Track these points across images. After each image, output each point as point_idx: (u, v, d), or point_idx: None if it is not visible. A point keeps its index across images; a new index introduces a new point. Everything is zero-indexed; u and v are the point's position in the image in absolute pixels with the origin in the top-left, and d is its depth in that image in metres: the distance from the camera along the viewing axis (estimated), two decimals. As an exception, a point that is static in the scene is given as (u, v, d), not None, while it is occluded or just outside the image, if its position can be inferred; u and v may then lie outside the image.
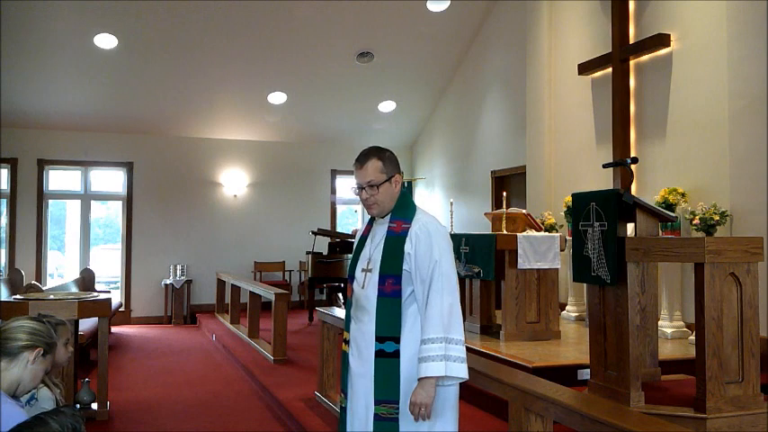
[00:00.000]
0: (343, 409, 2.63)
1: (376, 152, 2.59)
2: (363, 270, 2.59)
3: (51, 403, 2.74)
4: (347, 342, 2.64)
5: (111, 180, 11.15)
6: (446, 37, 9.97)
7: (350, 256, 9.63)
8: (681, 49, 6.40)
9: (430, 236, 2.49)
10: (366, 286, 2.56)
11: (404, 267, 2.50)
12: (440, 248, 2.48)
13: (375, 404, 2.47)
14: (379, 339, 2.49)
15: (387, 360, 2.47)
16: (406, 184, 11.15)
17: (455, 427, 2.54)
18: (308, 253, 9.66)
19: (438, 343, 2.37)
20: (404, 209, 2.60)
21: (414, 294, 2.51)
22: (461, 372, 2.39)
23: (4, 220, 10.29)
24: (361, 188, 2.59)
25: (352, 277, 2.67)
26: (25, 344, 2.35)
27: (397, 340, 2.48)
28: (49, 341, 2.45)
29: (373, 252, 2.59)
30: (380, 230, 2.62)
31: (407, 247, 2.50)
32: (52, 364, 2.97)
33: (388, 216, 2.62)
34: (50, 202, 10.76)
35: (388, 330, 2.48)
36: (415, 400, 2.38)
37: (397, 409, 2.45)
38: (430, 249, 2.47)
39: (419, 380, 2.39)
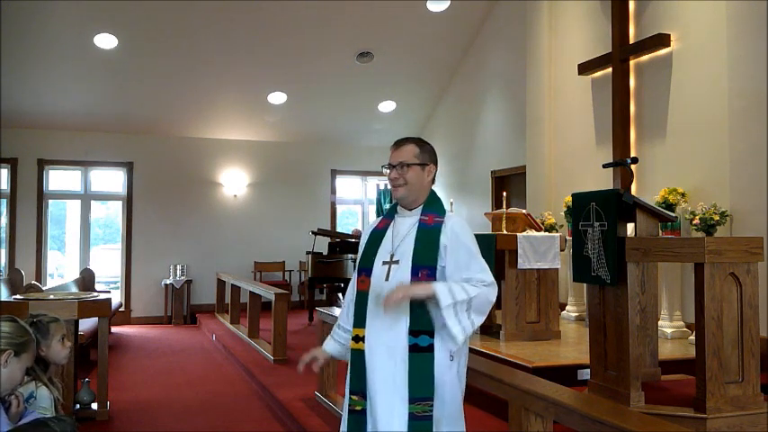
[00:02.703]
0: (358, 412, 2.45)
1: (416, 139, 2.60)
2: (386, 263, 2.49)
3: (49, 402, 2.75)
4: (360, 339, 2.48)
5: (111, 180, 11.15)
6: (446, 37, 9.97)
7: (350, 256, 9.61)
8: (681, 49, 6.40)
9: (465, 233, 2.49)
10: (391, 278, 2.44)
11: (439, 261, 2.44)
12: (475, 244, 2.49)
13: (410, 402, 2.34)
14: (413, 333, 2.38)
15: (421, 355, 2.36)
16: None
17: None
18: (308, 253, 9.66)
19: (463, 295, 2.35)
20: (436, 204, 2.57)
21: None
22: (454, 324, 2.33)
23: (4, 220, 10.29)
24: (392, 167, 2.54)
25: (366, 271, 2.53)
26: None
27: (432, 334, 2.38)
28: (20, 341, 2.49)
29: (399, 244, 2.49)
30: (407, 223, 2.55)
31: (443, 239, 2.45)
32: (49, 359, 2.97)
33: (418, 209, 2.56)
34: (50, 202, 10.76)
35: (423, 324, 2.38)
36: (400, 287, 2.34)
37: (432, 406, 2.34)
38: (466, 244, 2.46)
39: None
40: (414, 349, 2.37)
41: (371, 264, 2.53)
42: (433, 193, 2.60)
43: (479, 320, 2.41)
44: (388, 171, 2.55)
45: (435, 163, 2.61)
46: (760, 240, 3.71)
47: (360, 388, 2.45)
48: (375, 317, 2.45)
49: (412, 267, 2.42)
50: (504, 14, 9.44)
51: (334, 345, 2.71)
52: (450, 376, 2.41)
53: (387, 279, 2.46)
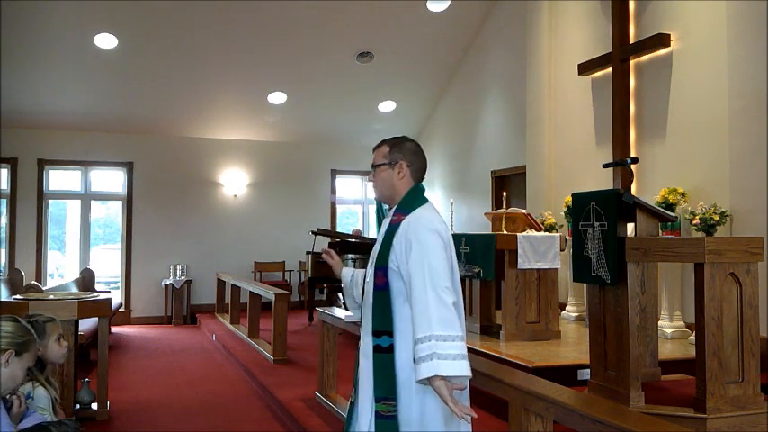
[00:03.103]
0: (352, 404, 2.57)
1: (391, 139, 2.60)
2: (371, 265, 2.54)
3: (47, 402, 2.75)
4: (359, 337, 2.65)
5: (111, 180, 11.15)
6: (446, 37, 9.97)
7: (350, 256, 9.63)
8: (681, 49, 6.40)
9: (416, 229, 2.38)
10: (369, 280, 2.52)
11: (390, 259, 2.42)
12: (425, 242, 2.35)
13: (375, 401, 2.38)
14: (375, 334, 2.42)
15: (383, 355, 2.39)
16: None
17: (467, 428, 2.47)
18: (308, 253, 9.65)
19: (425, 342, 2.23)
20: (407, 202, 2.51)
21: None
22: (456, 369, 2.20)
23: (4, 220, 10.29)
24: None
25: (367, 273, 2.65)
26: None
27: (392, 334, 2.39)
28: (21, 340, 2.49)
29: (377, 246, 2.54)
30: (386, 223, 2.57)
31: (395, 239, 2.43)
32: (46, 359, 2.98)
33: (394, 208, 2.55)
34: (50, 202, 10.76)
35: (383, 324, 2.41)
36: (444, 406, 2.25)
37: (395, 406, 2.35)
38: (410, 244, 2.37)
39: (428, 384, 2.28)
40: (377, 350, 2.40)
41: (367, 266, 2.63)
42: (410, 191, 2.53)
43: (450, 328, 2.28)
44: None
45: (410, 159, 2.54)
46: (760, 240, 3.71)
47: (353, 382, 2.59)
48: (363, 317, 2.58)
49: (374, 270, 2.47)
50: (504, 14, 9.44)
51: (348, 271, 2.86)
52: (414, 378, 2.31)
53: (367, 281, 2.55)
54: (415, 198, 2.52)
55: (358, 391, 2.51)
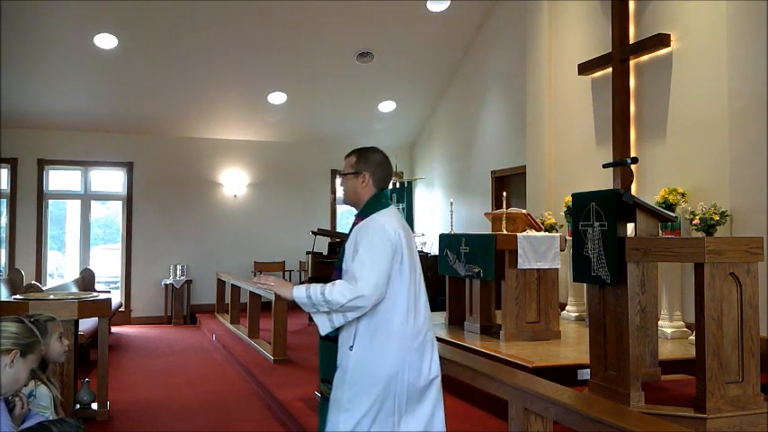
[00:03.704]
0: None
1: (357, 150, 2.85)
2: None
3: (49, 401, 2.75)
4: None
5: (111, 180, 11.15)
6: (446, 37, 9.97)
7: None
8: (681, 49, 6.40)
9: (366, 232, 2.65)
10: None
11: (343, 260, 2.70)
12: (364, 243, 2.62)
13: (321, 382, 2.75)
14: None
15: (329, 343, 2.71)
16: (398, 186, 11.18)
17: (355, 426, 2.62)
18: (308, 253, 9.66)
19: (320, 294, 2.58)
20: (367, 208, 2.76)
21: None
22: (301, 298, 2.60)
23: (4, 220, 10.29)
24: None
25: None
26: (1, 348, 2.40)
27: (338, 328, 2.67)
28: (26, 342, 2.48)
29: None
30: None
31: (347, 242, 2.72)
32: (48, 358, 2.98)
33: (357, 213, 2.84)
34: (50, 202, 10.76)
35: None
36: (268, 278, 2.72)
37: (331, 388, 2.67)
38: (358, 245, 2.63)
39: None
40: (324, 338, 2.72)
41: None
42: (371, 198, 2.79)
43: (342, 320, 2.62)
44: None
45: (373, 170, 2.79)
46: (760, 240, 3.71)
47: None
48: None
49: (335, 270, 2.76)
50: (504, 14, 9.43)
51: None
52: (348, 361, 2.63)
53: None
54: (376, 204, 2.76)
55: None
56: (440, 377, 2.75)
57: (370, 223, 2.68)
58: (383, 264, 2.58)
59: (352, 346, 2.62)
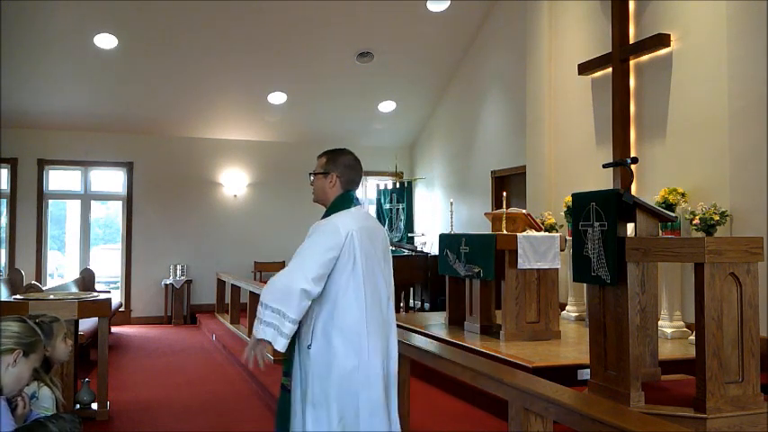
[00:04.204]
0: None
1: (329, 151, 2.98)
2: None
3: (51, 402, 2.75)
4: None
5: (111, 180, 11.15)
6: (446, 37, 9.97)
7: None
8: (681, 49, 6.40)
9: (313, 230, 2.77)
10: None
11: None
12: (310, 238, 2.74)
13: (283, 375, 2.85)
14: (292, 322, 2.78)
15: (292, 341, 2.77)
16: (398, 186, 11.18)
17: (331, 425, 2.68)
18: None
19: (260, 306, 2.66)
20: (333, 209, 2.87)
21: None
22: (265, 335, 2.62)
23: (4, 220, 10.29)
24: None
25: None
26: (2, 348, 2.39)
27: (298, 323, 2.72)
28: (29, 341, 2.48)
29: None
30: None
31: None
32: (54, 358, 2.98)
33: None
34: (50, 202, 10.76)
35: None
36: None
37: (290, 380, 2.79)
38: (305, 241, 2.75)
39: None
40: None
41: None
42: (337, 198, 2.89)
43: (277, 303, 2.65)
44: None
45: (341, 171, 2.90)
46: (760, 240, 3.71)
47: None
48: None
49: None
50: (504, 14, 9.44)
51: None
52: (308, 361, 2.71)
53: None
54: (340, 205, 2.87)
55: None
56: (394, 376, 2.89)
57: (325, 222, 2.79)
58: (318, 257, 2.67)
59: (309, 346, 2.72)
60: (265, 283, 10.03)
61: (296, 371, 2.77)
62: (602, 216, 4.02)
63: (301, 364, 2.75)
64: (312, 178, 2.95)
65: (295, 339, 2.75)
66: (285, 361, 2.86)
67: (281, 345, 2.63)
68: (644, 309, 3.95)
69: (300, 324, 2.71)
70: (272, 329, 2.62)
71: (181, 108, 10.53)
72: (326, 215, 2.87)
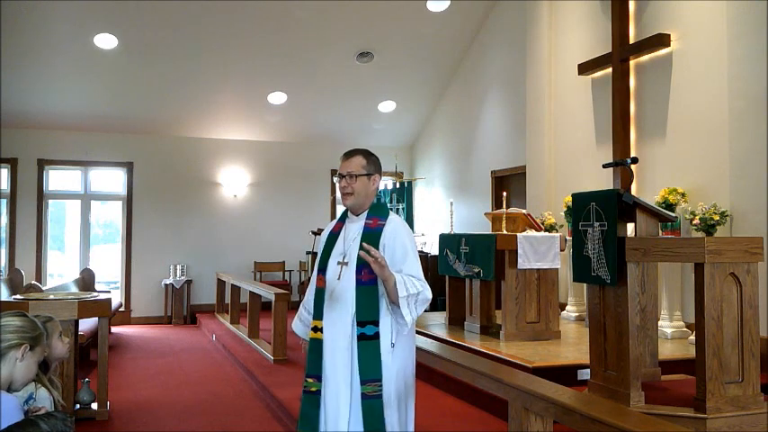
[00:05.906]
0: (313, 392, 2.80)
1: (363, 151, 2.91)
2: (339, 263, 2.82)
3: (49, 403, 2.75)
4: (319, 330, 2.83)
5: (111, 180, 11.15)
6: (446, 37, 9.97)
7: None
8: (681, 49, 6.40)
9: (403, 234, 2.80)
10: (342, 278, 2.78)
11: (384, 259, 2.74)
12: (411, 244, 2.82)
13: (361, 384, 2.68)
14: (360, 324, 2.71)
15: (369, 342, 2.70)
16: (398, 186, 11.17)
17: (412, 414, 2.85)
18: (308, 253, 9.65)
19: (414, 289, 2.71)
20: (379, 209, 2.88)
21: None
22: (401, 290, 2.66)
23: (4, 220, 10.29)
24: (342, 177, 2.85)
25: (323, 271, 2.88)
26: (10, 343, 2.41)
27: (377, 323, 2.72)
28: (34, 334, 2.51)
29: (349, 246, 2.82)
30: (354, 227, 2.86)
31: (383, 240, 2.77)
32: (51, 358, 2.98)
33: (364, 214, 2.87)
34: (50, 202, 10.76)
35: (368, 315, 2.72)
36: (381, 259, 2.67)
37: (381, 387, 2.68)
38: (403, 243, 2.78)
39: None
40: (362, 338, 2.71)
41: (326, 264, 2.87)
42: (378, 199, 2.92)
43: (419, 313, 2.75)
44: (339, 180, 2.88)
45: (380, 172, 2.93)
46: (760, 240, 3.71)
47: (316, 372, 2.80)
48: (331, 311, 2.80)
49: (356, 268, 2.75)
50: (504, 14, 9.44)
51: (301, 326, 3.11)
52: (392, 360, 2.73)
53: (339, 278, 2.80)
54: (383, 207, 2.92)
55: (324, 378, 2.78)
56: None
57: (403, 227, 2.84)
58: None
59: (393, 343, 2.75)
60: (265, 282, 10.05)
61: (385, 371, 2.71)
62: (602, 216, 4.02)
63: (392, 362, 2.74)
64: (349, 179, 2.83)
65: (371, 345, 2.74)
66: (367, 370, 2.72)
67: (410, 321, 2.72)
68: (644, 309, 3.95)
69: (381, 325, 2.74)
70: (405, 292, 2.67)
71: (181, 108, 10.53)
72: (378, 216, 2.85)
